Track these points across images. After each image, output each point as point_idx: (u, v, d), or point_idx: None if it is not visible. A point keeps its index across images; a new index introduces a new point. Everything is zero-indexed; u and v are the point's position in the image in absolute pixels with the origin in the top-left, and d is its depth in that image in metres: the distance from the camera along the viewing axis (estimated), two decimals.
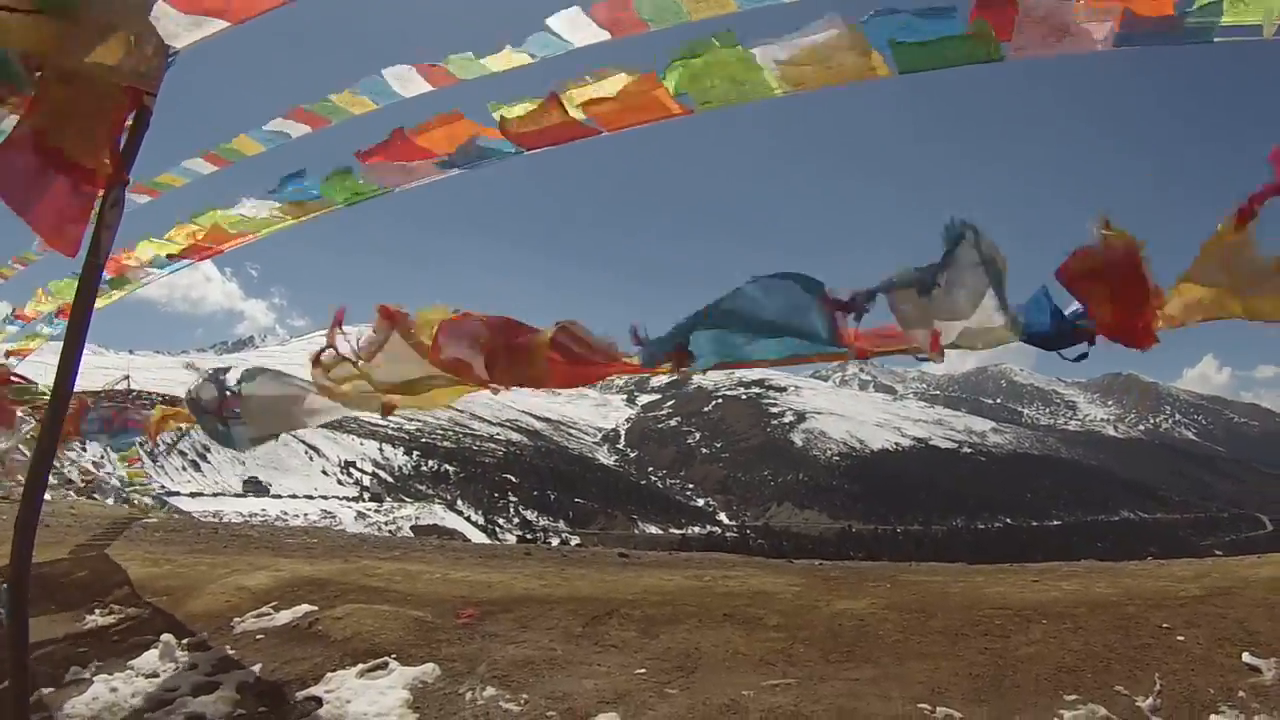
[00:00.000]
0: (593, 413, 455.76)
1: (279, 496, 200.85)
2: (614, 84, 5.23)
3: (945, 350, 4.16)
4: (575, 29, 5.17)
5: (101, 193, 4.25)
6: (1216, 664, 6.35)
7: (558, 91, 5.44)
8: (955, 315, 4.02)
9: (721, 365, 4.89)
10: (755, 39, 4.67)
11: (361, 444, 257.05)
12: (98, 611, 8.59)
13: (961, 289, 3.93)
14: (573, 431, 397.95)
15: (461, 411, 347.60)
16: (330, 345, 6.19)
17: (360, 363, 6.02)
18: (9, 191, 4.17)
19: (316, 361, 6.39)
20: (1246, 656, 6.37)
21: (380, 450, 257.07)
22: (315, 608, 8.29)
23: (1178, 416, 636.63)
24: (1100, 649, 6.77)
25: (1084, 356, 4.08)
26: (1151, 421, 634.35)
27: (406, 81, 5.97)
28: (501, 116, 5.69)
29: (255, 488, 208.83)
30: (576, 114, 5.50)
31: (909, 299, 4.11)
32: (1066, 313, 4.01)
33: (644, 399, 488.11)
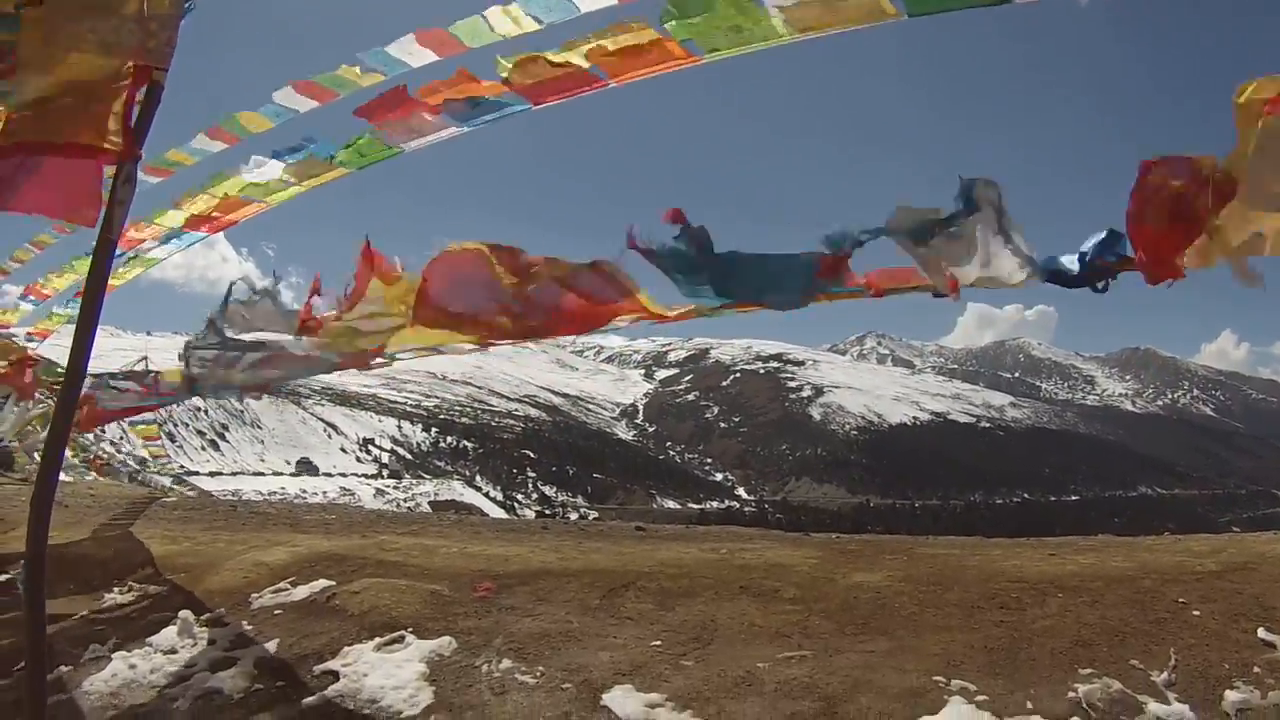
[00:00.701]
0: (611, 388, 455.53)
1: (312, 474, 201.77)
2: (617, 31, 5.24)
3: (962, 289, 4.14)
4: None
5: (114, 169, 4.27)
6: (1232, 639, 6.34)
7: (564, 47, 5.47)
8: (964, 259, 4.00)
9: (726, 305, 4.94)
10: None
11: (380, 421, 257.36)
12: (116, 589, 8.64)
13: (969, 236, 3.91)
14: (591, 406, 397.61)
15: (479, 388, 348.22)
16: (307, 317, 6.25)
17: (345, 316, 6.08)
18: (16, 184, 4.21)
19: (302, 326, 6.44)
20: (1262, 632, 6.36)
21: (399, 427, 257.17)
22: (333, 583, 8.33)
23: (1196, 392, 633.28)
24: (1116, 623, 6.77)
25: (1105, 289, 3.99)
26: (1170, 397, 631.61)
27: (413, 52, 5.96)
28: (504, 67, 5.70)
29: (307, 468, 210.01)
30: (581, 62, 5.51)
31: (908, 247, 4.12)
32: (1087, 248, 3.97)
33: (662, 373, 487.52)
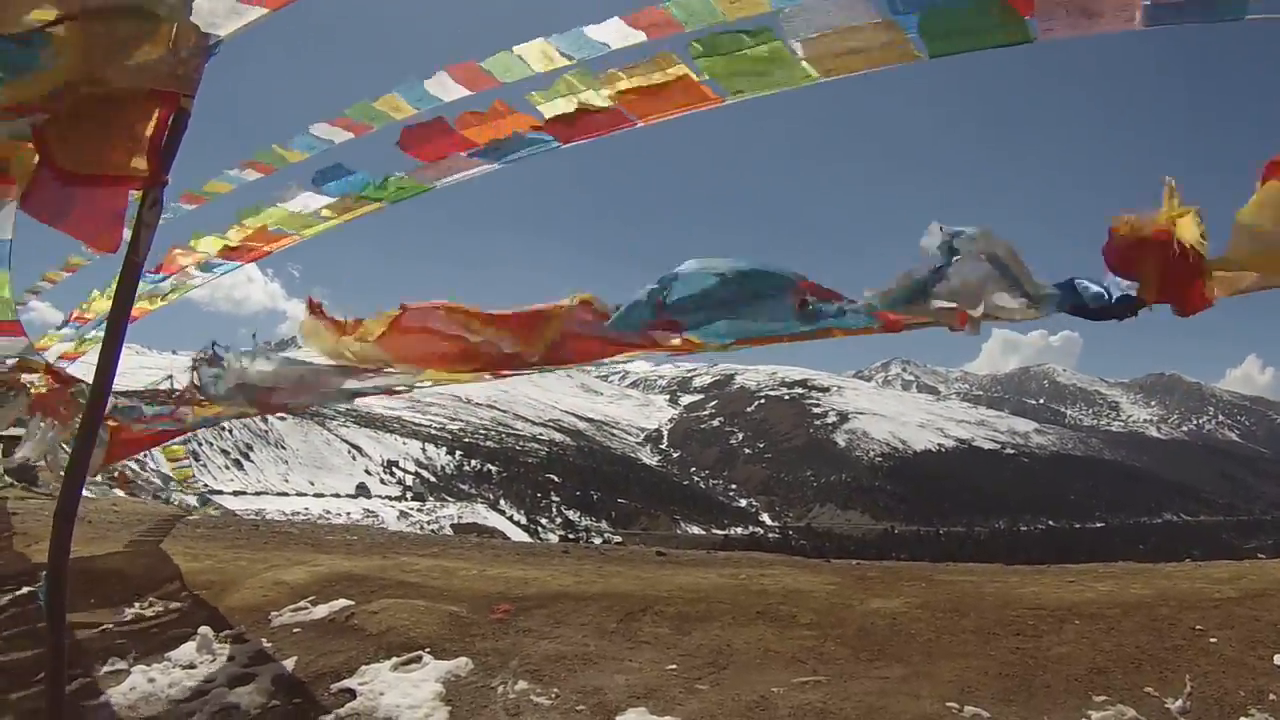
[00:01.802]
0: (635, 413, 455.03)
1: (334, 496, 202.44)
2: (646, 71, 5.30)
3: (979, 322, 4.12)
4: (611, 32, 5.23)
5: (141, 194, 4.34)
6: (1248, 666, 6.33)
7: (593, 84, 5.53)
8: (966, 301, 4.00)
9: (738, 341, 4.97)
10: (784, 26, 4.71)
11: (404, 443, 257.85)
12: (138, 604, 8.70)
13: (963, 289, 3.92)
14: (615, 431, 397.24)
15: (504, 412, 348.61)
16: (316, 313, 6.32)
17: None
18: (43, 205, 4.29)
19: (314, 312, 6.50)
20: (1279, 659, 6.34)
21: (423, 450, 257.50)
22: (352, 602, 8.37)
23: (1220, 418, 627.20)
24: (1132, 650, 6.76)
25: (1132, 313, 3.95)
26: (1195, 422, 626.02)
27: (447, 87, 6.03)
28: (539, 102, 5.78)
29: (364, 492, 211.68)
30: (610, 104, 5.57)
31: (900, 311, 4.15)
32: (1106, 283, 3.94)
33: (687, 399, 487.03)
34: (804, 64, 4.87)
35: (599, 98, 5.59)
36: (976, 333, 4.19)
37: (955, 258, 3.88)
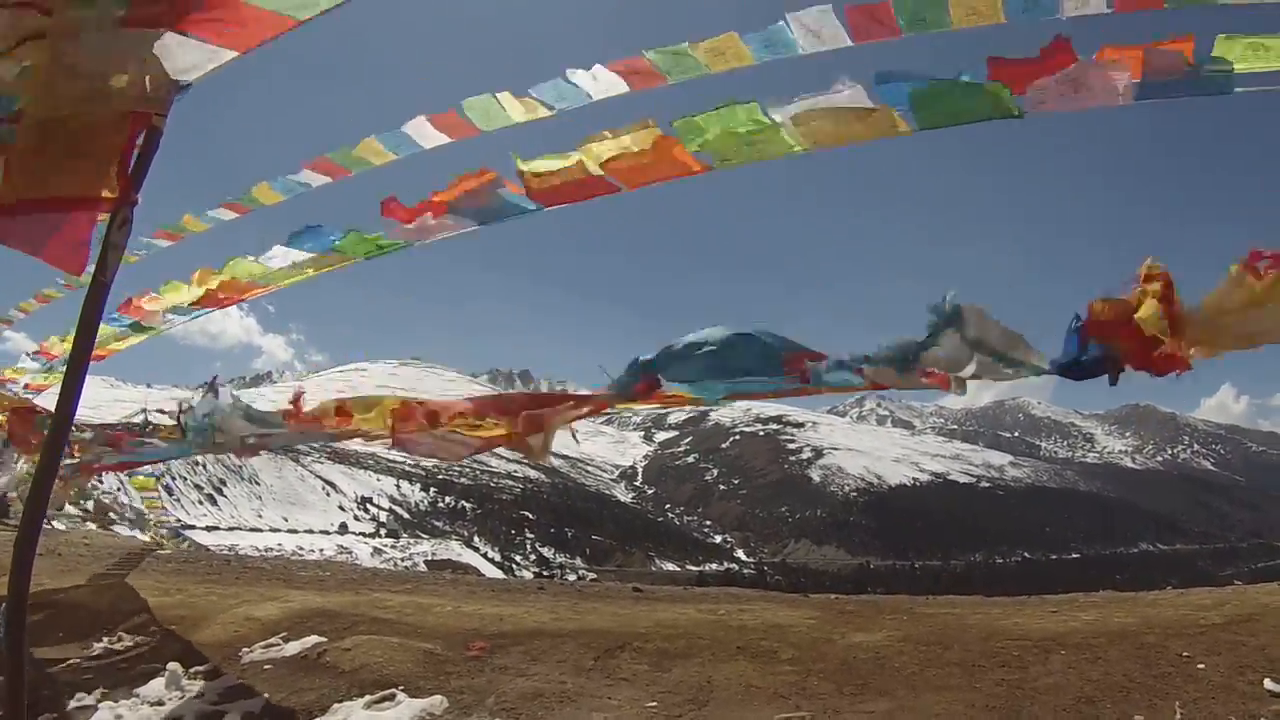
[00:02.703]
0: (610, 449, 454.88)
1: (307, 532, 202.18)
2: (634, 141, 5.26)
3: (964, 381, 4.11)
4: (593, 81, 5.19)
5: (109, 214, 4.24)
6: (1238, 691, 6.28)
7: (577, 148, 5.48)
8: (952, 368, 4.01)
9: (731, 396, 4.93)
10: (773, 97, 4.72)
11: (378, 480, 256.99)
12: (106, 639, 8.58)
13: (949, 360, 3.93)
14: (590, 468, 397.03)
15: None
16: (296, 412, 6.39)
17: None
18: (9, 229, 4.19)
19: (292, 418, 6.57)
20: (1268, 683, 6.29)
21: (397, 486, 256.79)
22: (324, 639, 8.26)
23: (1196, 446, 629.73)
24: (1120, 679, 6.69)
25: (1113, 376, 3.97)
26: (1170, 452, 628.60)
27: (426, 134, 5.98)
28: (524, 174, 5.74)
29: (346, 530, 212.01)
30: (596, 170, 5.53)
31: (887, 375, 4.15)
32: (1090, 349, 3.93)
33: (661, 436, 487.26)
34: (791, 135, 4.87)
35: (587, 164, 5.55)
36: (962, 393, 4.19)
37: (948, 329, 3.88)
